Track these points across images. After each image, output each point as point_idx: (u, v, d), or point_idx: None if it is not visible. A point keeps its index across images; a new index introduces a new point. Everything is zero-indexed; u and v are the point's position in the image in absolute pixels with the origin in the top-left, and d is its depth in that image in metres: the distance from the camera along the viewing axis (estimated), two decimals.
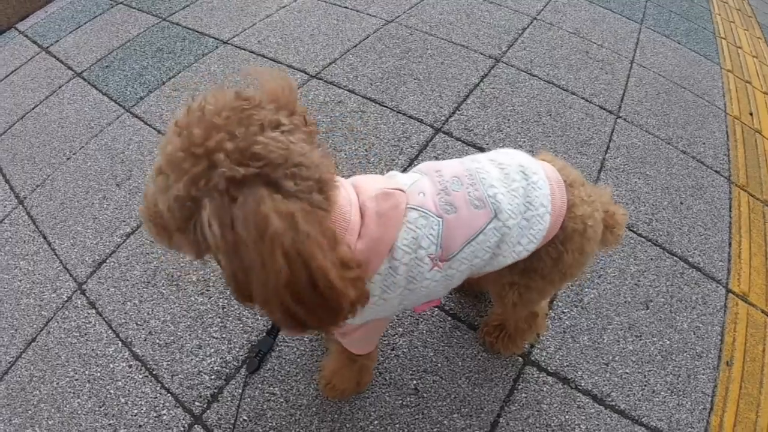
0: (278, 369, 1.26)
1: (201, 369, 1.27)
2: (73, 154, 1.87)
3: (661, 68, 2.37)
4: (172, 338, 1.33)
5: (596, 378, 1.28)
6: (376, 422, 1.18)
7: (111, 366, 1.29)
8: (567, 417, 1.22)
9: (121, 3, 2.66)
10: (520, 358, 1.30)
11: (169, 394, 1.23)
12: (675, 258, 1.58)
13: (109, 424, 1.20)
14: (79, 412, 1.22)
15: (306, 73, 2.11)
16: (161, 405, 1.22)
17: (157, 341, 1.33)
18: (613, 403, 1.24)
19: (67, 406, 1.23)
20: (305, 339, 1.32)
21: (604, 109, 2.05)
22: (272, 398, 1.22)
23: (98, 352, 1.32)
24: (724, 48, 2.74)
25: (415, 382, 1.25)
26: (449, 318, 1.37)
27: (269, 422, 1.18)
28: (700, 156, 1.96)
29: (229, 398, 1.22)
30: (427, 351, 1.30)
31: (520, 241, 0.81)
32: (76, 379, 1.28)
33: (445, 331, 1.34)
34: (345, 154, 1.78)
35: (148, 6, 2.60)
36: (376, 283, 0.75)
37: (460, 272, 0.81)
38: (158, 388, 1.24)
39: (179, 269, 1.48)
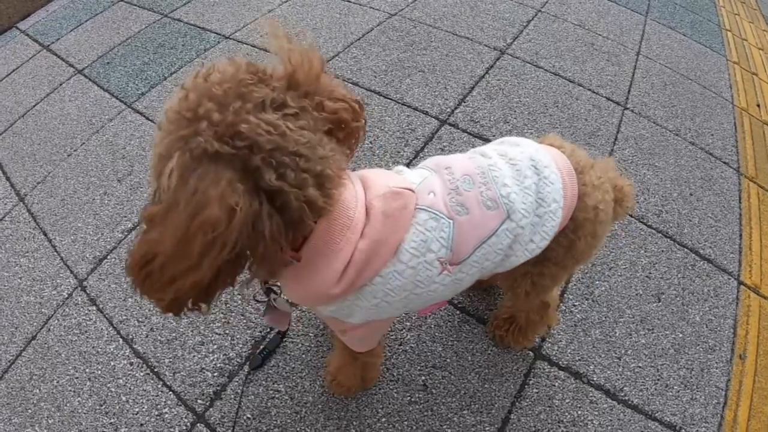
0: (283, 365, 1.23)
1: (203, 366, 1.24)
2: (74, 150, 1.86)
3: (668, 60, 2.35)
4: (173, 335, 1.31)
5: (609, 372, 1.26)
6: (383, 419, 1.16)
7: (112, 364, 1.27)
8: (579, 412, 1.19)
9: (122, 0, 2.66)
10: (530, 352, 1.27)
11: (171, 392, 1.21)
12: (686, 250, 1.55)
13: (110, 423, 1.17)
14: (80, 410, 1.20)
15: None
16: (163, 403, 1.19)
17: (159, 338, 1.31)
18: (626, 398, 1.21)
19: (68, 404, 1.21)
20: (310, 335, 1.29)
21: (611, 100, 2.03)
22: (277, 395, 1.19)
23: (99, 349, 1.30)
24: (730, 40, 2.71)
25: (423, 377, 1.22)
26: (458, 312, 1.34)
27: (274, 420, 1.15)
28: (709, 147, 1.93)
29: (232, 396, 1.19)
30: (436, 346, 1.27)
31: (532, 239, 0.78)
32: (77, 378, 1.26)
33: (453, 325, 1.31)
34: None
35: (149, 3, 2.60)
36: (377, 286, 0.71)
37: (470, 276, 0.78)
38: (160, 386, 1.22)
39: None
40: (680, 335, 1.35)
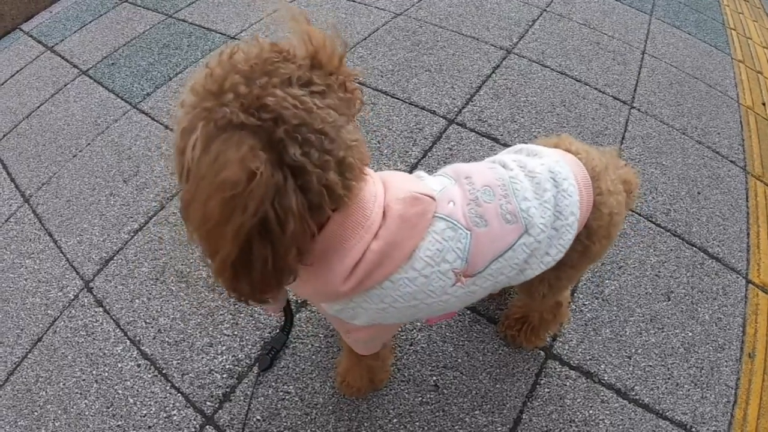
0: (292, 366, 1.22)
1: (212, 367, 1.23)
2: (79, 151, 1.85)
3: (673, 59, 2.35)
4: (181, 336, 1.30)
5: (619, 371, 1.25)
6: (395, 420, 1.15)
7: (119, 365, 1.26)
8: (591, 412, 1.18)
9: (126, 1, 2.65)
10: (541, 351, 1.27)
11: (179, 394, 1.20)
12: (694, 249, 1.55)
13: (118, 425, 1.16)
14: (87, 413, 1.19)
15: None
16: (171, 405, 1.18)
17: (167, 339, 1.30)
18: (637, 397, 1.21)
19: (74, 407, 1.20)
20: (320, 336, 1.28)
21: (618, 99, 2.02)
22: (287, 397, 1.18)
23: (106, 351, 1.29)
24: (734, 39, 2.71)
25: (434, 378, 1.21)
26: (468, 311, 1.33)
27: (284, 422, 1.14)
28: (716, 146, 1.92)
29: (241, 397, 1.18)
30: (447, 346, 1.26)
31: (548, 252, 0.77)
32: (83, 380, 1.25)
33: (464, 325, 1.30)
34: None
35: (154, 3, 2.59)
36: (386, 290, 0.70)
37: (483, 289, 0.77)
38: (168, 388, 1.21)
39: (188, 265, 1.45)
40: (690, 334, 1.34)
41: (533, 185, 0.75)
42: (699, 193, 1.72)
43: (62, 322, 1.37)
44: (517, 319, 1.19)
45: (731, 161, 1.88)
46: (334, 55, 0.59)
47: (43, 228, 1.62)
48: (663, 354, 1.29)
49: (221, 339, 1.28)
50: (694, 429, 1.17)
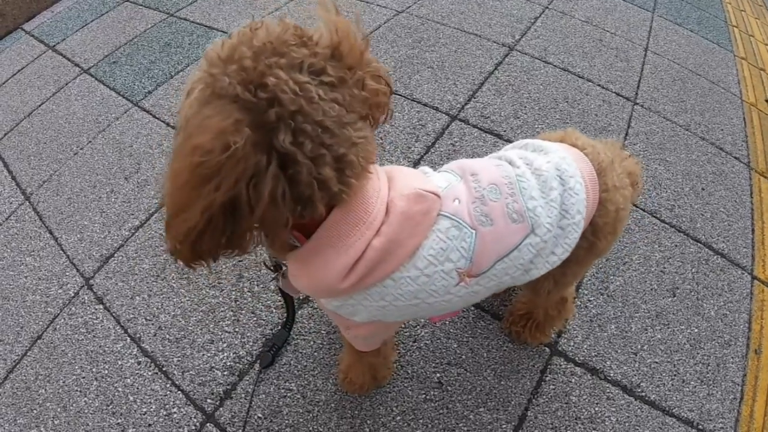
0: (294, 364, 1.21)
1: (213, 365, 1.22)
2: (81, 149, 1.84)
3: (676, 56, 2.34)
4: (182, 333, 1.29)
5: (625, 368, 1.23)
6: (398, 417, 1.13)
7: (119, 363, 1.25)
8: (597, 409, 1.16)
9: (127, 0, 2.66)
10: (546, 348, 1.25)
11: (179, 392, 1.19)
12: (699, 244, 1.54)
13: (117, 423, 1.15)
14: (86, 411, 1.18)
15: None
16: (172, 403, 1.17)
17: (167, 336, 1.29)
18: (643, 394, 1.19)
19: (74, 404, 1.19)
20: (322, 332, 1.27)
21: (621, 95, 2.01)
22: (288, 394, 1.17)
23: (106, 348, 1.28)
24: (737, 36, 2.70)
25: (438, 375, 1.20)
26: (472, 308, 1.32)
27: (285, 419, 1.13)
28: (719, 142, 1.92)
29: (242, 395, 1.17)
30: (451, 342, 1.25)
31: (554, 251, 0.76)
32: (83, 377, 1.24)
33: (468, 321, 1.29)
34: None
35: (155, 2, 2.60)
36: (387, 288, 0.68)
37: (486, 289, 0.75)
38: (168, 386, 1.20)
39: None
40: (695, 330, 1.33)
41: (540, 183, 0.74)
42: (703, 189, 1.71)
43: (62, 320, 1.36)
44: (522, 315, 1.18)
45: (735, 157, 1.87)
46: (355, 49, 0.57)
47: (43, 225, 1.61)
48: (669, 350, 1.28)
49: (222, 336, 1.27)
50: (700, 426, 1.16)
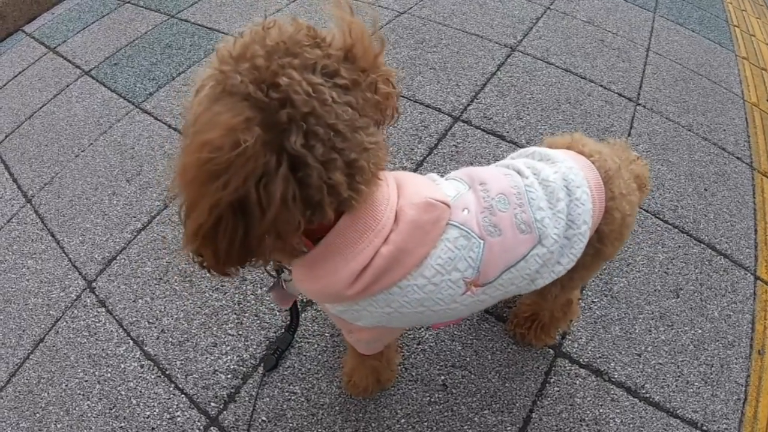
0: (298, 366, 1.21)
1: (216, 368, 1.22)
2: (82, 151, 1.84)
3: (677, 56, 2.34)
4: (185, 336, 1.28)
5: (629, 369, 1.23)
6: (403, 420, 1.13)
7: (122, 366, 1.25)
8: (601, 410, 1.16)
9: (128, 2, 2.65)
10: (551, 350, 1.25)
11: (183, 395, 1.18)
12: (702, 245, 1.54)
13: (120, 427, 1.15)
14: (89, 414, 1.18)
15: None
16: (175, 406, 1.17)
17: (170, 340, 1.28)
18: (648, 395, 1.19)
19: (77, 408, 1.19)
20: (326, 335, 1.26)
21: (623, 96, 2.01)
22: (292, 397, 1.16)
23: (108, 351, 1.28)
24: (738, 36, 2.70)
25: (443, 377, 1.19)
26: None
27: (289, 422, 1.13)
28: (722, 142, 1.91)
29: (246, 398, 1.17)
30: (455, 345, 1.25)
31: (560, 261, 0.76)
32: (86, 381, 1.23)
33: (472, 323, 1.29)
34: None
35: (156, 4, 2.59)
36: (394, 296, 0.68)
37: (492, 298, 0.75)
38: (172, 389, 1.20)
39: (192, 265, 1.44)
40: (699, 331, 1.33)
41: (547, 194, 0.74)
42: (706, 189, 1.71)
43: (64, 323, 1.35)
44: (527, 318, 1.18)
45: (737, 158, 1.87)
46: (369, 52, 0.57)
47: (45, 228, 1.61)
48: (673, 351, 1.28)
49: (226, 339, 1.27)
50: (704, 427, 1.16)
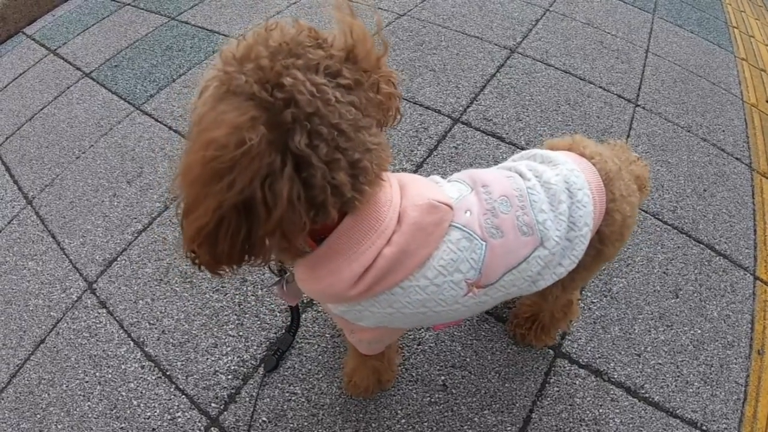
0: (299, 367, 1.21)
1: (217, 369, 1.22)
2: (83, 153, 1.84)
3: (676, 57, 2.35)
4: (186, 337, 1.29)
5: (629, 369, 1.24)
6: (403, 420, 1.13)
7: (123, 367, 1.25)
8: (601, 411, 1.17)
9: (128, 4, 2.66)
10: (550, 350, 1.25)
11: (183, 396, 1.19)
12: (702, 246, 1.54)
13: (121, 427, 1.15)
14: (90, 415, 1.18)
15: None
16: (176, 407, 1.17)
17: (171, 340, 1.28)
18: (647, 395, 1.20)
19: (77, 409, 1.19)
20: (326, 335, 1.27)
21: (623, 97, 2.02)
22: (293, 398, 1.16)
23: (109, 352, 1.28)
24: (737, 37, 2.71)
25: (443, 377, 1.20)
26: None
27: (290, 423, 1.13)
28: (721, 143, 1.92)
29: (247, 399, 1.17)
30: (455, 345, 1.25)
31: (561, 263, 0.76)
32: (87, 381, 1.24)
33: (472, 323, 1.29)
34: None
35: (156, 6, 2.60)
36: (396, 296, 0.69)
37: (493, 299, 0.76)
38: (172, 390, 1.20)
39: (191, 265, 1.44)
40: (699, 331, 1.33)
41: (549, 196, 0.74)
42: (705, 190, 1.71)
43: (65, 324, 1.36)
44: (527, 318, 1.18)
45: (736, 158, 1.88)
46: (371, 53, 0.57)
47: (46, 229, 1.61)
48: (672, 351, 1.28)
49: (226, 340, 1.27)
50: (704, 427, 1.16)
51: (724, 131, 1.98)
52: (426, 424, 1.13)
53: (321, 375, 1.20)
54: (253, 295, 1.36)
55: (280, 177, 0.50)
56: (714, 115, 2.05)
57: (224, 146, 0.47)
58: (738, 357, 1.29)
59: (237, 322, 1.31)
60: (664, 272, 1.45)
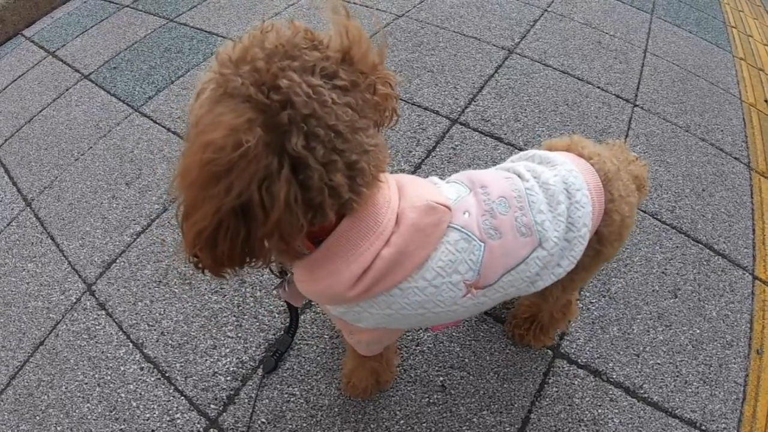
0: (297, 368, 1.21)
1: (216, 370, 1.22)
2: (81, 155, 1.85)
3: (675, 57, 2.35)
4: (185, 339, 1.29)
5: (628, 369, 1.24)
6: (402, 421, 1.13)
7: (122, 368, 1.25)
8: (600, 411, 1.16)
9: (127, 6, 2.66)
10: (549, 351, 1.25)
11: (182, 397, 1.19)
12: (700, 245, 1.54)
13: (120, 429, 1.15)
14: (89, 417, 1.18)
15: None
16: (175, 408, 1.17)
17: (170, 342, 1.28)
18: (646, 395, 1.20)
19: (77, 411, 1.19)
20: (325, 336, 1.27)
21: (621, 97, 2.02)
22: (292, 399, 1.17)
23: (108, 354, 1.28)
24: (735, 37, 2.71)
25: (441, 378, 1.20)
26: None
27: (289, 424, 1.13)
28: (719, 143, 1.92)
29: (246, 400, 1.17)
30: (453, 346, 1.25)
31: (560, 263, 0.77)
32: (86, 383, 1.24)
33: (471, 324, 1.29)
34: None
35: (155, 8, 2.60)
36: (394, 297, 0.69)
37: (492, 300, 0.76)
38: (171, 391, 1.20)
39: (191, 267, 1.44)
40: (697, 331, 1.33)
41: (547, 197, 0.75)
42: (703, 190, 1.71)
43: (64, 326, 1.36)
44: (526, 318, 1.18)
45: (735, 158, 1.88)
46: (368, 54, 0.57)
47: (45, 231, 1.61)
48: (671, 351, 1.28)
49: (225, 341, 1.27)
50: (703, 427, 1.16)
51: (722, 131, 1.98)
52: (425, 424, 1.13)
53: (320, 376, 1.20)
54: (251, 297, 1.36)
55: (277, 179, 0.50)
56: (712, 115, 2.05)
57: (221, 148, 0.47)
58: (737, 357, 1.29)
59: (236, 323, 1.31)
60: (663, 272, 1.45)
